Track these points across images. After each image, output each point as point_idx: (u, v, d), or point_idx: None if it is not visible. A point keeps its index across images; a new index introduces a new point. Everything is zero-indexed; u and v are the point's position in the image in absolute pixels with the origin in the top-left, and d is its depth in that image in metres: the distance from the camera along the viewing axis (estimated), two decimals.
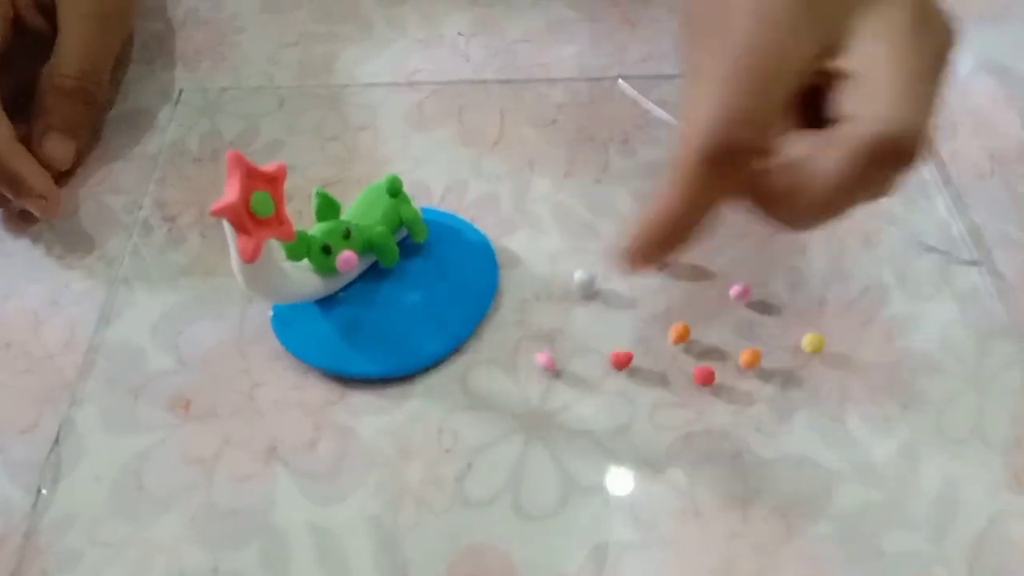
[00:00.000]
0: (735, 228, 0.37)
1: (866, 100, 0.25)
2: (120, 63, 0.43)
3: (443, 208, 0.38)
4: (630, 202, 0.38)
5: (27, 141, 0.37)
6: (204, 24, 0.47)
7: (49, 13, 0.39)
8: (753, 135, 0.26)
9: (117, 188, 0.40)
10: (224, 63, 0.45)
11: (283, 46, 0.46)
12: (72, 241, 0.38)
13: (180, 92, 0.44)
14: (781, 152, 0.27)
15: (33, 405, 0.33)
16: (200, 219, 0.38)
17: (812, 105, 0.27)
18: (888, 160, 0.25)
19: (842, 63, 0.26)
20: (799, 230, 0.29)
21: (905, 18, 0.26)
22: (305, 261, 0.32)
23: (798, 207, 0.27)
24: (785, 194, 0.26)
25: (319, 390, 0.33)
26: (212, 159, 0.41)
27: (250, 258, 0.27)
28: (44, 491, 0.30)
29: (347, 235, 0.32)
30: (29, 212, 0.37)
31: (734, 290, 0.33)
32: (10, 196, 0.36)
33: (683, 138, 0.26)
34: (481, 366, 0.33)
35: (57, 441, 0.32)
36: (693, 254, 0.36)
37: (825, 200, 0.26)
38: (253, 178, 0.28)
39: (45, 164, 0.37)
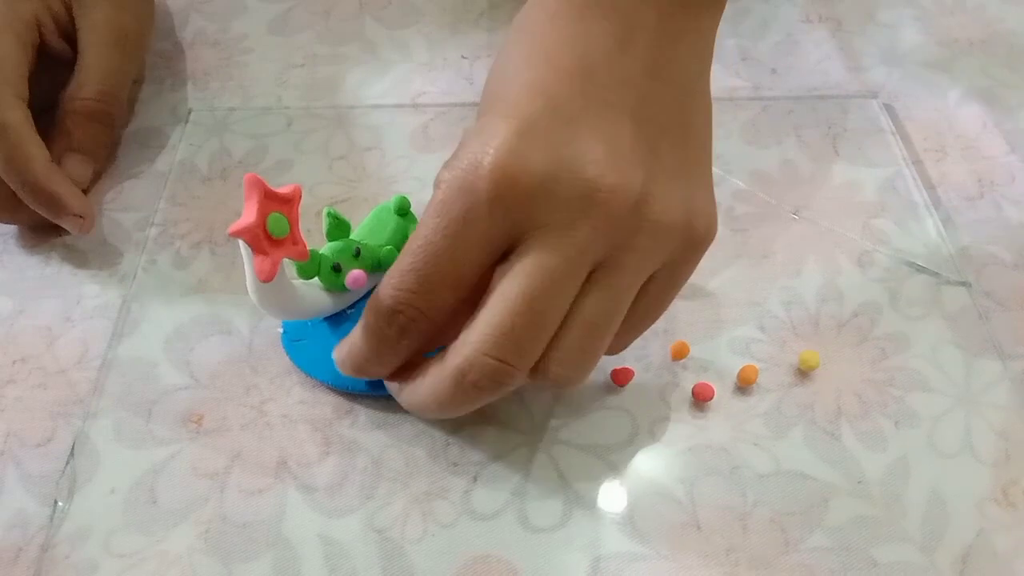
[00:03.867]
0: (732, 249, 0.38)
1: (471, 332, 0.28)
2: (132, 83, 0.44)
3: None
4: None
5: None
6: (212, 45, 0.48)
7: (70, 38, 0.40)
8: (415, 325, 0.28)
9: (128, 206, 0.40)
10: (232, 83, 0.46)
11: (290, 67, 0.47)
12: (85, 258, 0.38)
13: (189, 112, 0.45)
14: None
15: (48, 419, 0.33)
16: (210, 237, 0.39)
17: None
18: (469, 389, 0.28)
19: (496, 270, 0.28)
20: (413, 412, 0.32)
21: (572, 256, 0.27)
22: (315, 279, 0.33)
23: (413, 402, 0.30)
24: (408, 390, 0.30)
25: (328, 405, 0.34)
26: (221, 178, 0.41)
27: (267, 277, 0.28)
28: (60, 503, 0.31)
29: (357, 254, 0.33)
30: (40, 227, 0.38)
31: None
32: (49, 216, 0.37)
33: (369, 303, 0.29)
34: None
35: (72, 454, 0.32)
36: (692, 275, 0.37)
37: (429, 404, 0.30)
38: (270, 200, 0.28)
39: None
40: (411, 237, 0.28)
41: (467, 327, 0.28)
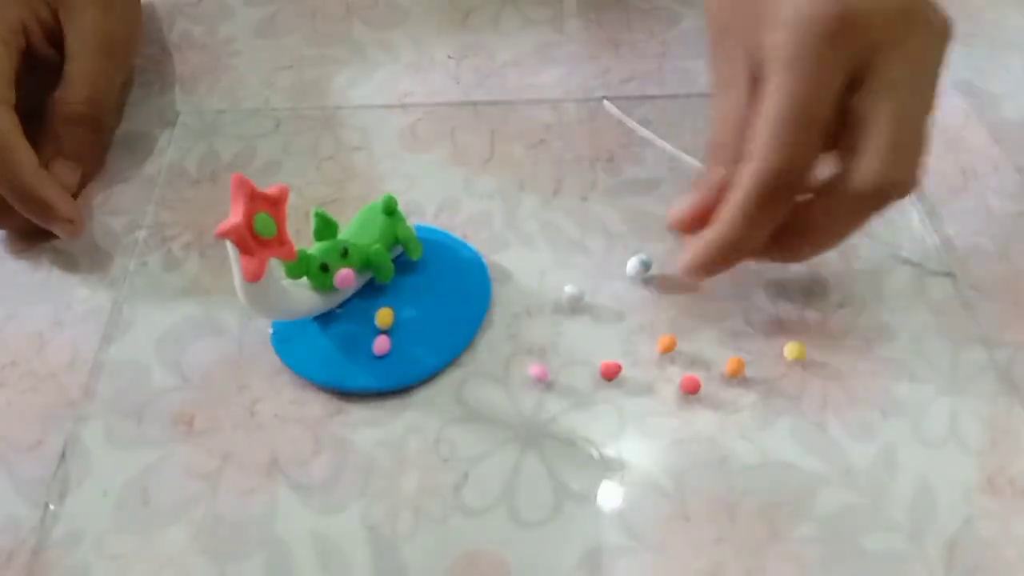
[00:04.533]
0: None
1: (864, 153, 0.30)
2: (120, 88, 0.44)
3: (436, 226, 0.39)
4: (616, 219, 0.40)
5: None
6: (200, 48, 0.49)
7: (58, 43, 0.40)
8: (804, 172, 0.31)
9: (118, 209, 0.41)
10: (220, 86, 0.46)
11: (278, 69, 0.47)
12: (74, 262, 0.39)
13: (178, 115, 0.45)
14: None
15: (39, 423, 0.33)
16: (199, 239, 0.39)
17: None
18: (879, 205, 0.31)
19: (856, 102, 0.30)
20: (800, 260, 0.34)
21: (915, 67, 0.30)
22: (304, 279, 0.33)
23: (808, 242, 0.33)
24: (797, 233, 0.32)
25: (318, 404, 0.34)
26: (210, 180, 0.42)
27: (254, 278, 0.28)
28: (52, 506, 0.31)
29: (345, 254, 0.34)
30: (29, 232, 0.39)
31: (533, 370, 0.34)
32: (39, 221, 0.37)
33: (747, 176, 0.31)
34: (476, 378, 0.34)
35: (63, 457, 0.32)
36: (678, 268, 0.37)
37: (830, 236, 0.32)
38: (256, 200, 0.29)
39: None
40: (768, 104, 0.30)
41: (853, 155, 0.30)
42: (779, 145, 0.30)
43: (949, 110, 0.45)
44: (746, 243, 0.32)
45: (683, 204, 0.34)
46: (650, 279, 0.37)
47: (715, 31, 0.35)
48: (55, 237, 0.39)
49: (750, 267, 0.38)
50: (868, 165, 0.30)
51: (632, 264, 0.37)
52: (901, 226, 0.39)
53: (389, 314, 0.34)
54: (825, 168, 0.32)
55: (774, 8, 0.31)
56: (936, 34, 0.31)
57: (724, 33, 0.34)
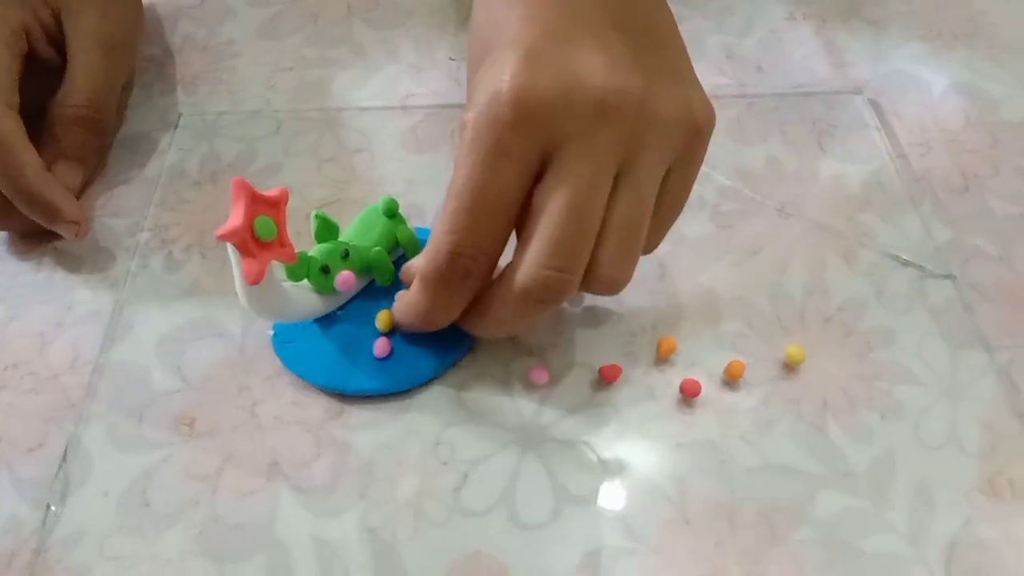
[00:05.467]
0: (718, 245, 0.38)
1: (524, 251, 0.30)
2: (122, 89, 0.44)
3: None
4: None
5: None
6: (201, 50, 0.49)
7: (59, 45, 0.41)
8: (479, 258, 0.30)
9: (119, 211, 0.41)
10: (221, 88, 0.46)
11: (279, 71, 0.47)
12: (76, 263, 0.39)
13: (179, 116, 0.45)
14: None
15: (40, 424, 0.33)
16: (200, 241, 0.39)
17: None
18: (540, 300, 0.30)
19: (535, 193, 0.30)
20: (489, 337, 0.34)
21: (598, 164, 0.29)
22: (305, 281, 0.33)
23: (484, 326, 0.32)
24: (477, 317, 0.32)
25: (319, 406, 0.34)
26: (211, 182, 0.42)
27: (254, 280, 0.28)
28: (53, 508, 0.31)
29: (345, 256, 0.34)
30: (32, 233, 0.39)
31: (534, 372, 0.34)
32: (43, 223, 0.37)
33: (423, 256, 0.31)
34: (476, 381, 0.34)
35: (64, 459, 0.32)
36: (679, 272, 0.37)
37: (502, 323, 0.32)
38: (257, 203, 0.29)
39: None
40: (450, 186, 0.30)
41: (520, 250, 0.30)
42: (448, 230, 0.29)
43: (950, 111, 0.45)
44: (431, 316, 0.32)
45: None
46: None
47: (468, 87, 0.33)
48: (58, 238, 0.39)
49: (750, 271, 0.38)
50: (526, 260, 0.29)
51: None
52: (902, 228, 0.39)
53: (389, 316, 0.35)
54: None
55: (474, 90, 0.30)
56: (665, 130, 0.30)
57: (469, 87, 0.32)
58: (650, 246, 0.34)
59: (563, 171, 0.29)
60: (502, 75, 0.29)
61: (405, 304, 0.32)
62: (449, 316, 0.32)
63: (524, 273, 0.29)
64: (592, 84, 0.29)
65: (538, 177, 0.30)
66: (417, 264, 0.32)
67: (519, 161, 0.29)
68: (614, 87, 0.29)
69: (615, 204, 0.30)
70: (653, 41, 0.32)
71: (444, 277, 0.30)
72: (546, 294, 0.29)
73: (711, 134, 0.32)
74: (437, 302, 0.31)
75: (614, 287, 0.31)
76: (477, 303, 0.32)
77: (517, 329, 0.33)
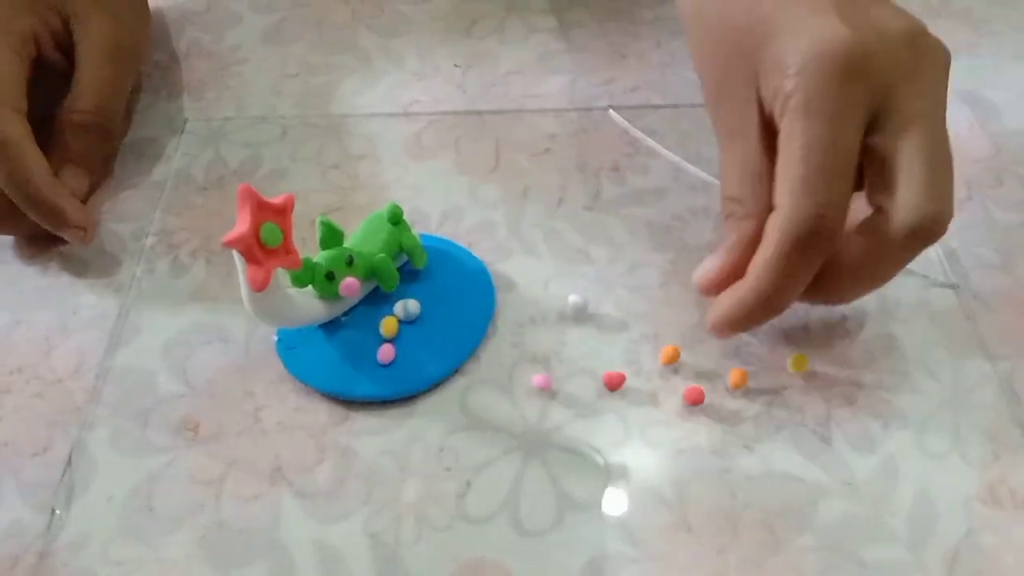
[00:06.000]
0: None
1: (901, 191, 0.29)
2: (129, 95, 0.45)
3: (441, 234, 0.39)
4: (621, 228, 0.40)
5: None
6: (207, 56, 0.49)
7: (67, 51, 0.41)
8: (837, 220, 0.30)
9: (125, 216, 0.41)
10: (227, 93, 0.47)
11: (284, 77, 0.47)
12: (81, 268, 0.39)
13: (185, 122, 0.45)
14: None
15: (45, 428, 0.34)
16: (205, 246, 0.39)
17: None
18: (920, 244, 0.30)
19: (880, 141, 0.30)
20: (842, 303, 0.34)
21: (936, 96, 0.30)
22: (309, 287, 0.33)
23: (849, 286, 0.32)
24: (839, 277, 0.31)
25: (322, 412, 0.34)
26: (217, 187, 0.42)
27: (260, 287, 0.28)
28: (58, 512, 0.31)
29: (350, 262, 0.34)
30: (39, 238, 0.39)
31: (537, 379, 0.34)
32: (50, 228, 0.38)
33: (778, 229, 0.30)
34: (480, 387, 0.34)
35: (69, 463, 0.33)
36: (683, 279, 0.37)
37: (873, 279, 0.31)
38: (263, 210, 0.29)
39: None
40: (788, 152, 0.30)
41: (886, 195, 0.30)
42: (808, 192, 0.29)
43: (952, 121, 0.45)
44: (782, 296, 0.31)
45: (709, 265, 0.33)
46: (585, 318, 0.36)
47: (713, 86, 0.34)
48: (63, 242, 0.39)
49: None
50: (907, 204, 0.29)
51: (399, 308, 0.35)
52: None
53: (394, 323, 0.35)
54: (856, 211, 0.31)
55: (777, 56, 0.31)
56: (941, 63, 0.31)
57: (723, 87, 0.33)
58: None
59: (907, 111, 0.30)
60: (825, 36, 0.29)
61: (748, 294, 0.31)
62: (799, 291, 0.31)
63: (917, 214, 0.29)
64: (898, 27, 0.30)
65: (868, 128, 0.30)
66: (710, 267, 0.32)
67: (856, 115, 0.29)
68: (913, 27, 0.31)
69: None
70: None
71: (809, 245, 0.29)
72: (937, 230, 0.29)
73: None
74: (794, 277, 0.30)
75: (946, 223, 0.31)
76: (843, 268, 0.31)
77: (884, 283, 0.32)
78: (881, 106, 0.30)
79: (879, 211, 0.30)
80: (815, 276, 0.31)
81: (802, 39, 0.30)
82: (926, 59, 0.30)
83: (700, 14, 0.35)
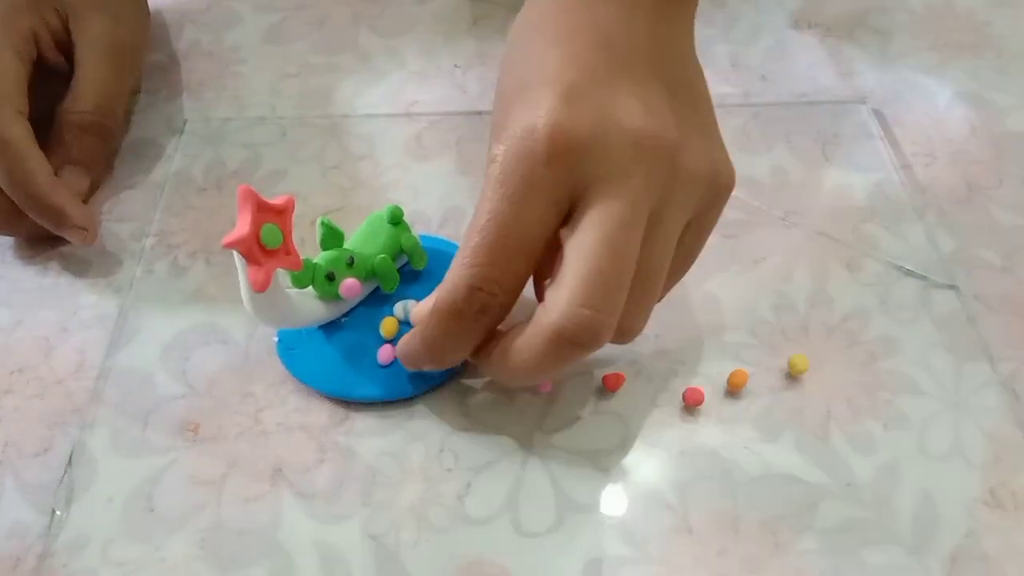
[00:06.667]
0: (723, 254, 0.38)
1: (560, 289, 0.28)
2: (128, 95, 0.45)
3: (441, 235, 0.39)
4: None
5: None
6: (207, 56, 0.49)
7: (67, 51, 0.41)
8: (497, 295, 0.29)
9: (124, 216, 0.41)
10: (227, 94, 0.46)
11: (284, 77, 0.47)
12: (81, 268, 0.39)
13: (185, 122, 0.45)
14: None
15: (46, 429, 0.34)
16: (205, 247, 0.39)
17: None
18: (567, 345, 0.28)
19: (563, 233, 0.29)
20: (510, 384, 0.34)
21: (632, 205, 0.28)
22: (310, 288, 0.33)
23: (505, 370, 0.30)
24: (498, 359, 0.30)
25: (323, 413, 0.34)
26: (216, 188, 0.42)
27: (260, 288, 0.28)
28: (58, 512, 0.31)
29: (350, 263, 0.34)
30: (40, 238, 0.39)
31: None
32: (52, 228, 0.37)
33: (439, 288, 0.29)
34: (480, 388, 0.34)
35: (70, 464, 0.33)
36: (683, 280, 0.37)
37: (526, 369, 0.29)
38: (263, 211, 0.29)
39: None
40: (474, 218, 0.29)
41: (551, 288, 0.28)
42: (469, 263, 0.28)
43: (955, 122, 0.45)
44: (442, 352, 0.30)
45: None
46: None
47: (492, 128, 0.33)
48: (64, 243, 0.39)
49: (754, 280, 0.38)
50: (560, 299, 0.27)
51: (398, 308, 0.36)
52: (906, 239, 0.39)
53: (394, 323, 0.35)
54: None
55: (504, 124, 0.29)
56: (691, 183, 0.29)
57: (494, 129, 0.32)
58: (660, 296, 0.32)
59: (599, 209, 0.28)
60: (538, 111, 0.28)
61: (415, 338, 0.31)
62: (459, 354, 0.31)
63: (560, 313, 0.27)
64: (630, 126, 0.28)
65: (564, 219, 0.29)
66: (425, 307, 0.31)
67: (549, 198, 0.28)
68: (651, 131, 0.28)
69: (641, 251, 0.29)
70: (686, 93, 0.31)
71: (460, 311, 0.29)
72: (582, 336, 0.27)
73: (730, 196, 0.31)
74: (449, 337, 0.30)
75: (629, 336, 0.30)
76: (500, 347, 0.30)
77: (541, 376, 0.30)
78: (580, 198, 0.28)
79: (540, 307, 0.29)
80: (488, 346, 0.30)
81: (524, 110, 0.29)
82: (646, 162, 0.28)
83: (505, 63, 0.33)
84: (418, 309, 0.32)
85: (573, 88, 0.29)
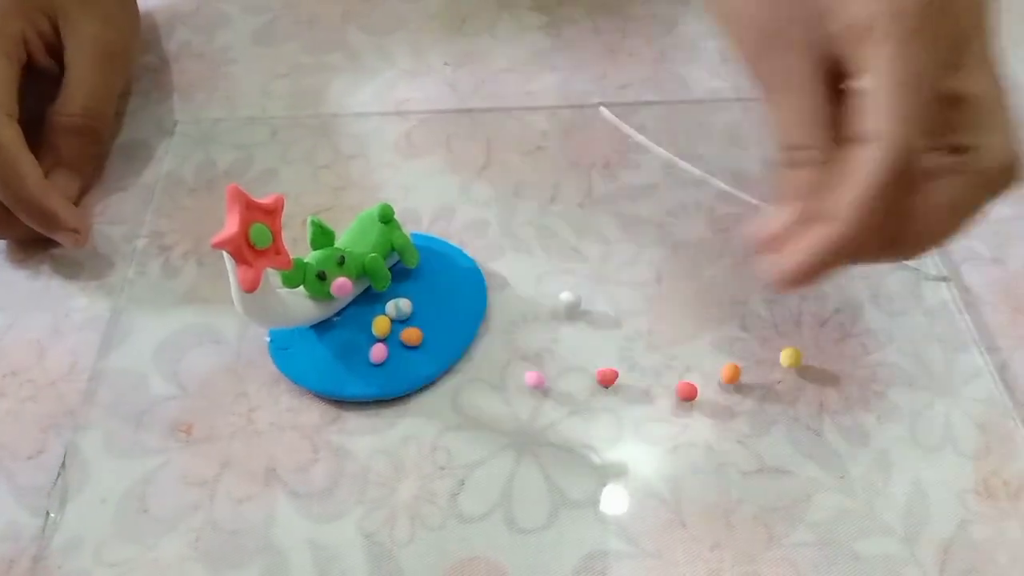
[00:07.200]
0: (714, 248, 0.39)
1: (986, 131, 0.28)
2: (119, 97, 0.45)
3: (433, 233, 0.39)
4: (613, 225, 0.40)
5: None
6: (197, 57, 0.49)
7: (57, 54, 0.41)
8: (930, 143, 0.27)
9: (116, 218, 0.41)
10: (217, 95, 0.46)
11: (275, 77, 0.47)
12: (73, 270, 0.39)
13: (175, 123, 0.45)
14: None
15: (39, 431, 0.34)
16: (196, 248, 0.39)
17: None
18: (1005, 184, 0.28)
19: (960, 85, 0.28)
20: (912, 257, 0.31)
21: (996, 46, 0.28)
22: (301, 288, 0.33)
23: (935, 227, 0.29)
24: (926, 218, 0.28)
25: (315, 412, 0.34)
26: (207, 189, 0.42)
27: (250, 288, 0.28)
28: (52, 514, 0.31)
29: (341, 262, 0.34)
30: (31, 241, 0.39)
31: (530, 376, 0.34)
32: (44, 231, 0.37)
33: (865, 165, 0.27)
34: (472, 386, 0.34)
35: (63, 466, 0.33)
36: (676, 275, 0.38)
37: (951, 224, 0.29)
38: (252, 210, 0.29)
39: None
40: (878, 79, 0.27)
41: (977, 139, 0.28)
42: (902, 119, 0.26)
43: None
44: (865, 239, 0.27)
45: (774, 219, 0.29)
46: (578, 315, 0.36)
47: (756, 36, 0.32)
48: (55, 245, 0.39)
49: (746, 274, 0.38)
50: (994, 142, 0.27)
51: (390, 307, 0.35)
52: None
53: (386, 322, 0.35)
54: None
55: (830, 12, 0.28)
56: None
57: (773, 36, 0.31)
58: None
59: (981, 58, 0.28)
60: None
61: (820, 244, 0.27)
62: (886, 231, 0.28)
63: (998, 152, 0.27)
64: None
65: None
66: (780, 216, 0.29)
67: (945, 43, 0.27)
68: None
69: None
70: None
71: (900, 178, 0.26)
72: (1017, 172, 0.27)
73: None
74: (876, 218, 0.27)
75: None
76: (905, 214, 0.28)
77: (960, 230, 0.29)
78: (959, 47, 0.28)
79: (962, 150, 0.28)
80: (911, 221, 0.28)
81: None
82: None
83: (738, 15, 0.32)
84: (767, 225, 0.29)
85: None
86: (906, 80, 0.27)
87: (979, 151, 0.28)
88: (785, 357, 0.34)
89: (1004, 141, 0.28)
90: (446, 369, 0.35)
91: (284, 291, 0.33)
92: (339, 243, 0.35)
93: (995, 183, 0.28)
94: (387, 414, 0.34)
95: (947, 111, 0.28)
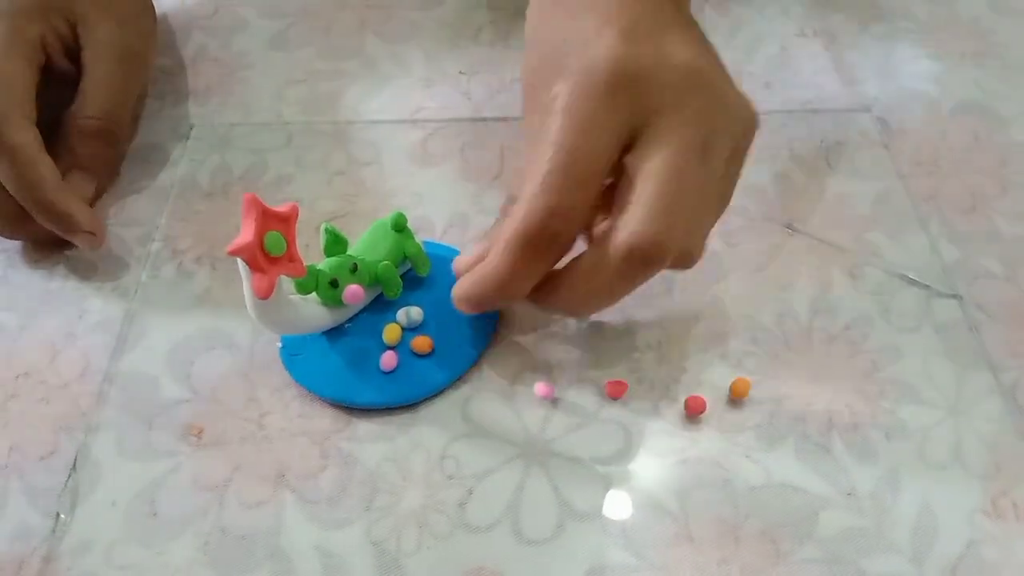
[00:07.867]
0: (725, 262, 0.39)
1: (630, 208, 0.30)
2: (136, 101, 0.45)
3: (445, 242, 0.39)
4: None
5: None
6: (213, 61, 0.49)
7: (75, 57, 0.41)
8: (569, 223, 0.30)
9: (130, 221, 0.41)
10: (233, 99, 0.47)
11: (290, 83, 0.48)
12: (87, 272, 0.39)
13: (191, 128, 0.45)
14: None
15: (51, 433, 0.34)
16: (210, 252, 0.40)
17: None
18: (639, 265, 0.30)
19: (628, 160, 0.30)
20: (576, 315, 0.36)
21: (692, 132, 0.30)
22: (313, 294, 0.33)
23: (574, 299, 0.32)
24: (567, 289, 0.32)
25: (325, 419, 0.34)
26: (222, 193, 0.42)
27: (264, 295, 0.29)
28: (63, 516, 0.32)
29: (354, 269, 0.34)
30: (47, 242, 0.39)
31: (539, 387, 0.34)
32: (60, 233, 0.38)
33: (512, 220, 0.30)
34: (482, 395, 0.35)
35: (74, 468, 0.33)
36: (685, 288, 0.38)
37: (597, 294, 0.31)
38: (267, 218, 0.29)
39: None
40: (540, 152, 0.30)
41: (620, 211, 0.30)
42: (544, 190, 0.29)
43: (958, 131, 0.45)
44: (511, 285, 0.31)
45: (469, 253, 0.34)
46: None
47: (527, 92, 0.35)
48: (70, 247, 0.39)
49: (756, 288, 0.38)
50: (627, 223, 0.29)
51: (401, 315, 0.36)
52: (908, 247, 0.39)
53: (397, 330, 0.35)
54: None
55: (567, 61, 0.31)
56: (731, 117, 0.31)
57: (532, 92, 0.34)
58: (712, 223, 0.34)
59: (661, 136, 0.30)
60: (599, 48, 0.30)
61: (482, 275, 0.31)
62: (528, 284, 0.31)
63: (631, 232, 0.29)
64: (683, 61, 0.30)
65: (625, 148, 0.30)
66: (466, 258, 0.33)
67: (613, 128, 0.30)
68: (702, 66, 0.31)
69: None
70: (711, 48, 0.33)
71: (533, 240, 0.30)
72: (654, 253, 0.29)
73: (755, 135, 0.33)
74: (521, 268, 0.31)
75: (690, 260, 0.32)
76: (567, 278, 0.31)
77: (610, 301, 0.32)
78: (641, 128, 0.30)
79: (610, 228, 0.30)
80: (552, 281, 0.32)
81: (585, 52, 0.30)
82: (705, 99, 0.30)
83: (535, 35, 0.35)
84: (461, 258, 0.34)
85: (629, 29, 0.31)
86: (555, 155, 0.30)
87: (614, 231, 0.30)
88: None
89: (635, 221, 0.29)
90: (456, 378, 0.35)
91: (297, 297, 0.33)
92: (352, 250, 0.35)
93: (622, 262, 0.29)
94: (397, 422, 0.34)
95: (619, 184, 0.31)
